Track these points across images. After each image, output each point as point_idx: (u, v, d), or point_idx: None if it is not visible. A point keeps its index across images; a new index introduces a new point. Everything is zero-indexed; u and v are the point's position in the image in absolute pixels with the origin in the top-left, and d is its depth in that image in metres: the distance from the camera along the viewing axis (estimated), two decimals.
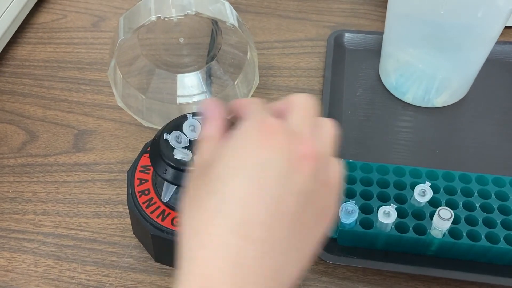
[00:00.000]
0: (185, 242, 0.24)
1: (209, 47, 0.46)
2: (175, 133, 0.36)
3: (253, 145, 0.24)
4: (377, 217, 0.36)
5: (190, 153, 0.35)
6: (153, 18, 0.35)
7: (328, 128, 0.27)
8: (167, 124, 0.37)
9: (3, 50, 0.54)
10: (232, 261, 0.22)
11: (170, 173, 0.34)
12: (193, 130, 0.37)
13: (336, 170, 0.27)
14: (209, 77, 0.46)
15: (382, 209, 0.35)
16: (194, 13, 0.35)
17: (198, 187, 0.25)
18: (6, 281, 0.38)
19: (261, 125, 0.25)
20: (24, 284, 0.37)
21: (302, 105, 0.27)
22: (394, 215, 0.35)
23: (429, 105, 0.48)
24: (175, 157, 0.34)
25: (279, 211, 0.23)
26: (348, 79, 0.50)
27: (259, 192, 0.23)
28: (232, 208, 0.23)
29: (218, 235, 0.23)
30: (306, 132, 0.26)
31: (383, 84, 0.50)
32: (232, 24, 0.37)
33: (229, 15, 0.38)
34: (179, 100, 0.46)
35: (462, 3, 0.38)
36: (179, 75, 0.46)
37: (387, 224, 0.35)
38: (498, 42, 0.50)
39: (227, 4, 0.39)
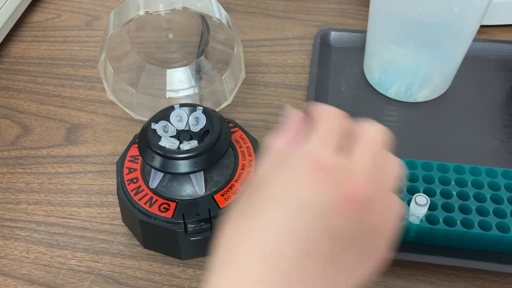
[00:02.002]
0: (218, 255, 0.24)
1: (200, 42, 0.48)
2: (162, 122, 0.38)
3: (301, 181, 0.23)
4: None
5: (176, 141, 0.36)
6: (142, 13, 0.37)
7: (393, 168, 0.26)
8: (155, 115, 0.38)
9: None
10: (255, 283, 0.22)
11: (157, 160, 0.35)
12: (180, 120, 0.38)
13: (390, 214, 0.25)
14: (197, 72, 0.47)
15: None
16: (181, 8, 0.37)
17: (243, 206, 0.25)
18: None
19: (315, 161, 0.24)
20: (17, 269, 0.39)
21: (371, 138, 0.25)
22: None
23: (411, 100, 0.49)
24: (161, 145, 0.35)
25: (312, 251, 0.23)
26: (334, 76, 0.52)
27: (294, 228, 0.23)
28: (264, 237, 0.23)
29: (245, 259, 0.23)
30: (364, 171, 0.24)
31: (367, 80, 0.51)
32: (218, 19, 0.39)
33: (216, 11, 0.39)
34: (168, 94, 0.47)
35: (439, 0, 0.40)
36: (168, 70, 0.47)
37: None
38: (478, 40, 0.52)
39: (213, 1, 0.41)
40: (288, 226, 0.23)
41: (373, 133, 0.26)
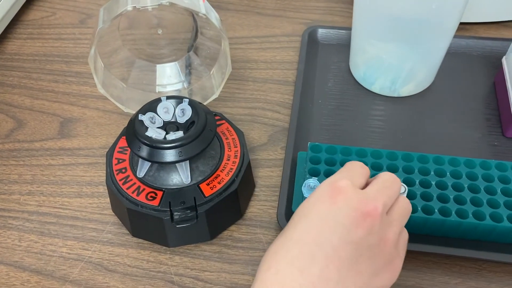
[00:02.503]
0: (260, 268, 0.29)
1: (191, 38, 0.49)
2: (149, 114, 0.39)
3: (322, 199, 0.29)
4: None
5: (163, 132, 0.38)
6: (129, 8, 0.38)
7: (403, 203, 0.32)
8: (143, 106, 0.40)
9: None
10: (285, 286, 0.27)
11: (144, 150, 0.36)
12: (167, 112, 0.40)
13: (402, 240, 0.31)
14: (187, 67, 0.49)
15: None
16: (168, 3, 0.38)
17: (280, 233, 0.30)
18: None
19: (334, 185, 0.29)
20: (9, 257, 0.40)
21: (385, 180, 0.31)
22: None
23: (395, 95, 0.51)
24: (148, 135, 0.36)
25: (335, 256, 0.27)
26: (320, 71, 0.53)
27: (319, 237, 0.28)
28: (293, 245, 0.28)
29: (278, 264, 0.28)
30: (378, 198, 0.30)
31: (353, 76, 0.53)
32: (204, 14, 0.40)
33: (201, 7, 0.41)
34: (158, 88, 0.48)
35: None
36: (158, 65, 0.49)
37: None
38: (461, 37, 0.54)
39: None
40: (314, 235, 0.28)
41: (387, 178, 0.32)
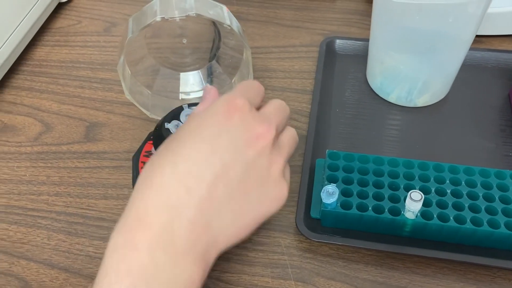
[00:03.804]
0: (137, 184, 0.27)
1: (212, 48, 0.51)
2: (174, 122, 0.41)
3: (217, 116, 0.28)
4: (356, 200, 0.40)
5: None
6: (158, 18, 0.40)
7: (292, 132, 0.32)
8: (167, 115, 0.41)
9: (23, 51, 0.59)
10: (169, 205, 0.26)
11: None
12: None
13: (287, 171, 0.31)
14: (209, 76, 0.50)
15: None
16: (194, 14, 0.40)
17: (164, 146, 0.29)
18: (23, 252, 0.42)
19: (231, 102, 0.29)
20: (39, 254, 0.42)
21: (279, 104, 0.32)
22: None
23: (411, 105, 0.52)
24: None
25: (224, 175, 0.27)
26: (338, 81, 0.55)
27: (210, 155, 0.27)
28: (182, 162, 0.27)
29: (165, 180, 0.26)
30: (272, 120, 0.30)
31: (369, 86, 0.54)
32: (229, 25, 0.42)
33: (226, 18, 0.42)
34: (181, 96, 0.50)
35: (435, 10, 0.42)
36: (182, 74, 0.50)
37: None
38: (477, 49, 0.55)
39: (224, 9, 0.44)
40: (204, 152, 0.27)
41: (280, 103, 0.33)
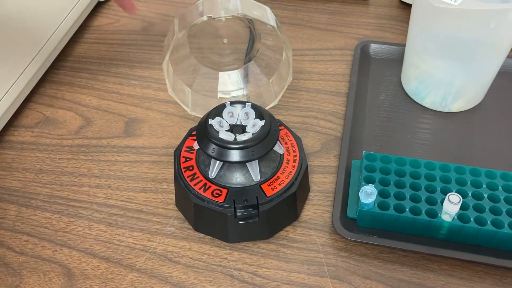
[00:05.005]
0: None
1: (247, 50, 0.52)
2: (217, 119, 0.42)
3: None
4: (393, 201, 0.40)
5: (232, 135, 0.40)
6: (205, 18, 0.41)
7: None
8: (210, 112, 0.42)
9: (64, 48, 0.61)
10: None
11: (217, 151, 0.39)
12: (232, 116, 0.42)
13: None
14: (246, 75, 0.51)
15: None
16: (241, 14, 0.41)
17: None
18: (65, 240, 0.43)
19: None
20: (80, 243, 0.43)
21: None
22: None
23: (446, 110, 0.52)
24: (221, 137, 0.39)
25: None
26: (372, 85, 0.55)
27: None
28: None
29: None
30: None
31: (404, 90, 0.55)
32: (272, 26, 0.43)
33: (270, 18, 0.43)
34: (219, 94, 0.51)
35: (476, 15, 0.43)
36: (220, 73, 0.51)
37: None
38: None
39: (268, 10, 0.45)
40: None
41: None
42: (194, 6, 0.44)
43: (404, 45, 0.55)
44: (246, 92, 0.52)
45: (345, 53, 0.60)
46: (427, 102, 0.53)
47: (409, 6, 0.66)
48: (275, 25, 0.44)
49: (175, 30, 0.43)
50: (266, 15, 0.43)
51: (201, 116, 0.43)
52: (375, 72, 0.57)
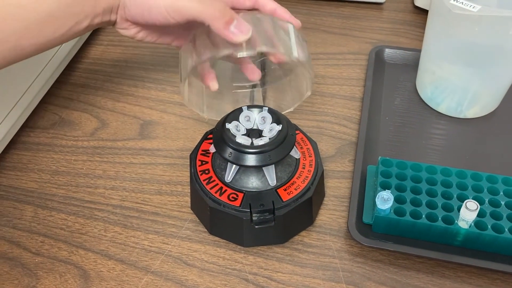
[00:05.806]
0: None
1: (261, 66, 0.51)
2: (234, 123, 0.42)
3: None
4: (410, 207, 0.40)
5: (249, 139, 0.40)
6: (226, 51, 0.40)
7: None
8: (227, 116, 0.42)
9: (79, 50, 0.62)
10: None
11: (234, 155, 0.39)
12: (248, 120, 0.42)
13: None
14: (262, 71, 0.51)
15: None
16: (264, 50, 0.40)
17: None
18: (81, 242, 0.43)
19: None
20: (96, 245, 0.43)
21: None
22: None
23: (461, 116, 0.52)
24: (238, 141, 0.39)
25: None
26: (387, 89, 0.55)
27: None
28: None
29: None
30: None
31: (419, 95, 0.54)
32: (296, 58, 0.42)
33: (293, 49, 0.41)
34: (234, 89, 0.50)
35: (495, 22, 0.42)
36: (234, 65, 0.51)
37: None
38: None
39: (291, 28, 0.44)
40: None
41: None
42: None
43: (418, 50, 0.55)
44: (261, 88, 0.50)
45: (359, 57, 0.60)
46: (442, 108, 0.52)
47: (423, 11, 0.66)
48: (299, 56, 0.42)
49: (198, 50, 0.42)
50: (290, 48, 0.41)
51: (217, 120, 0.43)
52: (390, 77, 0.57)
